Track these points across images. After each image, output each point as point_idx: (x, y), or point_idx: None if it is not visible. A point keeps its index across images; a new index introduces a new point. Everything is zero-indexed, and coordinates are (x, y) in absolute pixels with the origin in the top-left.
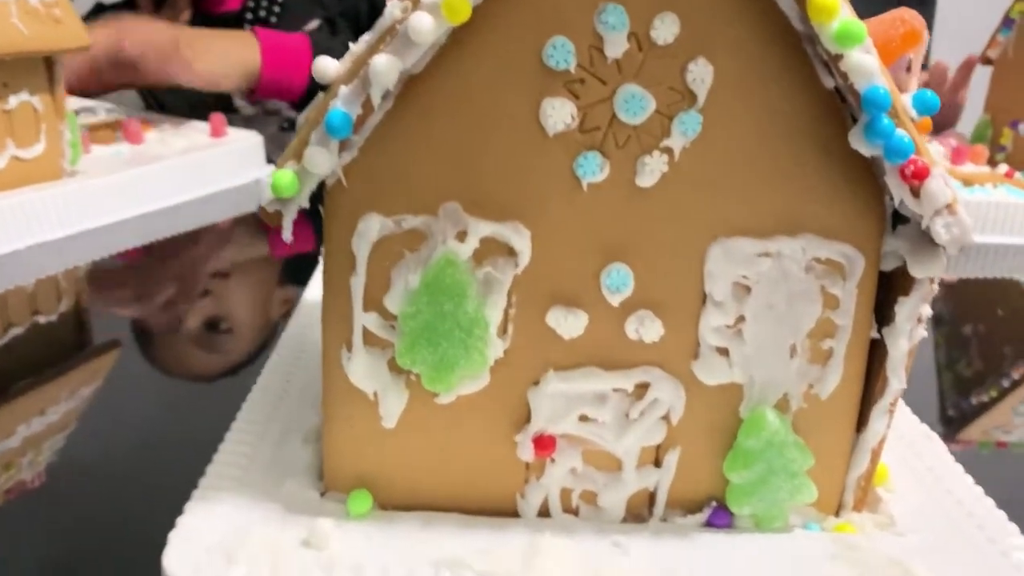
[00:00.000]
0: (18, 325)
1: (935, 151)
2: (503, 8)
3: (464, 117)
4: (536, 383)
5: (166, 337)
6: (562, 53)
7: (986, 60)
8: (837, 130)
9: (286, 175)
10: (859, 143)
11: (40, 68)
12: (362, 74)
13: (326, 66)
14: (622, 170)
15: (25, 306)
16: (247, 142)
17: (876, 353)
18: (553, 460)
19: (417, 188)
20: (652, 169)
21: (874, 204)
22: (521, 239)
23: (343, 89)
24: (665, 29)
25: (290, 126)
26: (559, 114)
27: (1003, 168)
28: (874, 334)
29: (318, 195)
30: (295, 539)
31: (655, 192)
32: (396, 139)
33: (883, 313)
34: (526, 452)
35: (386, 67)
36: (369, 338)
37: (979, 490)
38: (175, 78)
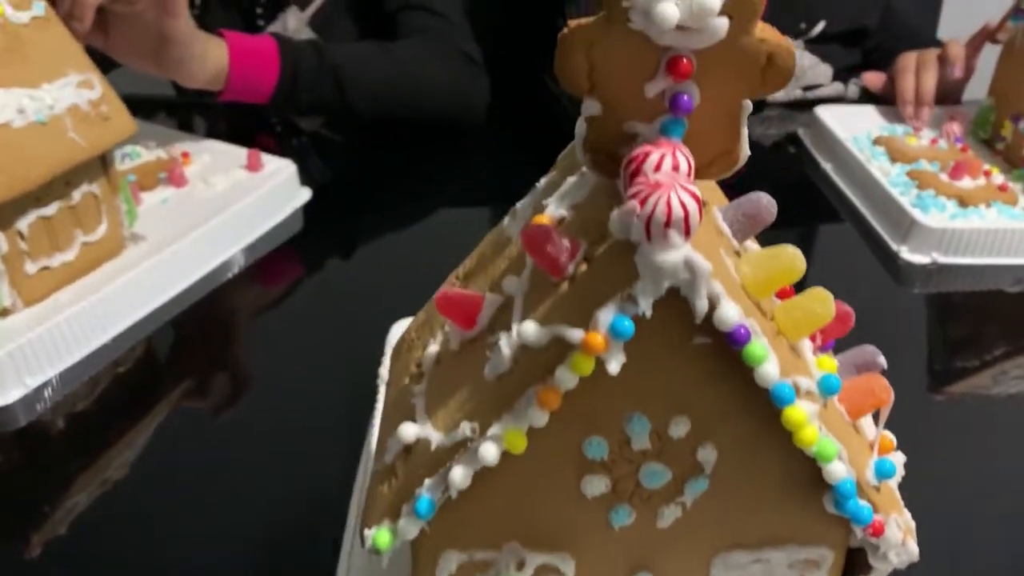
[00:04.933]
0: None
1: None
2: (550, 428)
3: (521, 487)
4: None
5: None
6: (598, 449)
7: (993, 40)
8: (819, 480)
9: (384, 536)
10: (831, 507)
11: (97, 163)
12: (442, 473)
13: (407, 431)
14: (645, 516)
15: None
16: (283, 174)
17: None
18: None
19: (486, 532)
20: (669, 515)
21: (844, 521)
22: (567, 565)
23: (427, 481)
24: (679, 428)
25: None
26: (596, 486)
27: (999, 179)
28: None
29: None
30: None
31: (671, 528)
32: (469, 502)
33: None
34: None
35: (461, 476)
36: None
37: None
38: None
